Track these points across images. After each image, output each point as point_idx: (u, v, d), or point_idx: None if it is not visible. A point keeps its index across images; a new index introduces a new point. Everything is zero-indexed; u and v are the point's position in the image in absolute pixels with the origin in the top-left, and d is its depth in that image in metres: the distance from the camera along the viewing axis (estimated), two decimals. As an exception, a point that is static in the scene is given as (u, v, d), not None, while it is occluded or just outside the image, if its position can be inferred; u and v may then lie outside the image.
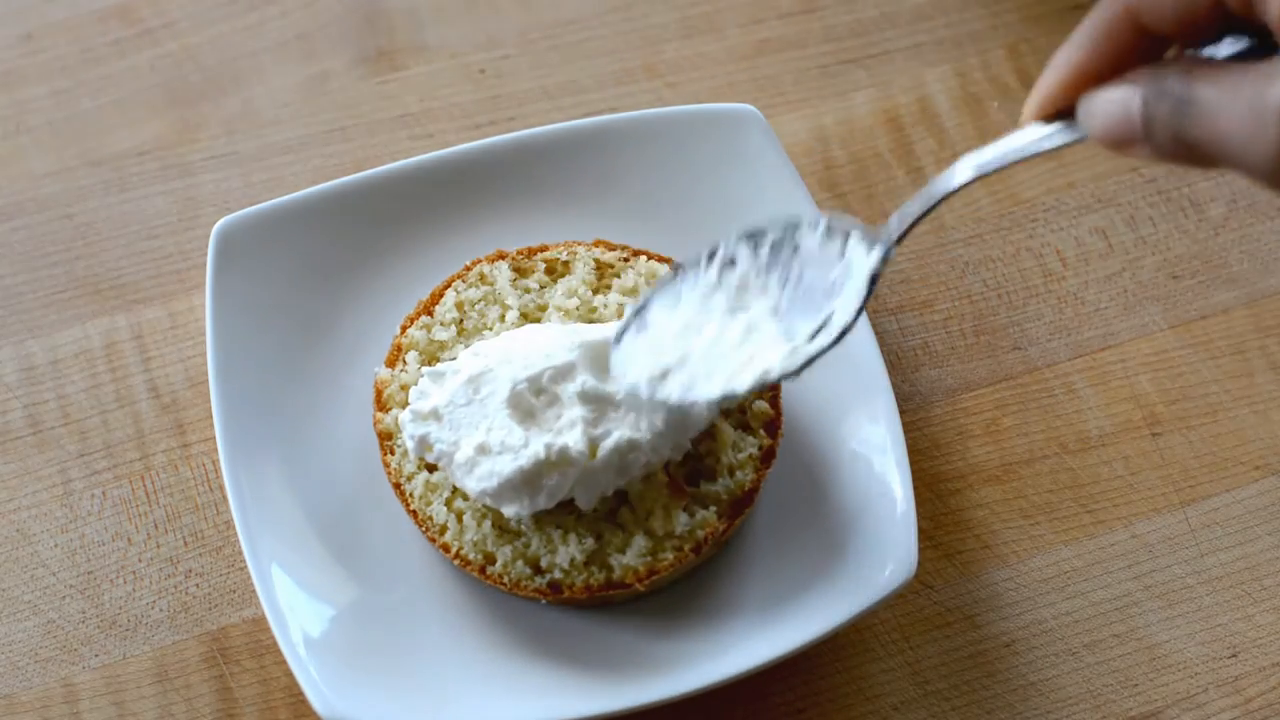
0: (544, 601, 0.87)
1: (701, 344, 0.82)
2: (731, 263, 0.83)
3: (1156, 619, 0.91)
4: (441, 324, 0.93)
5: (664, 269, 0.93)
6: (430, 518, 0.88)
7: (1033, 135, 0.71)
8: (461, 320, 0.93)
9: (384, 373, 0.91)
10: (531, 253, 0.95)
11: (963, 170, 0.74)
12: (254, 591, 0.90)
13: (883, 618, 0.91)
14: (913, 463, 0.92)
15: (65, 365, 0.98)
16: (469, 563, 0.87)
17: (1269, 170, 0.63)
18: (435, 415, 0.87)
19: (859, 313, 0.78)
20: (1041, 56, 1.08)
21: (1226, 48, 0.68)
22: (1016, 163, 0.72)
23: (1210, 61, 0.67)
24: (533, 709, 0.84)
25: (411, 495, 0.88)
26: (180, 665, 0.90)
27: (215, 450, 0.92)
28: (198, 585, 0.92)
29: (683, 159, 0.98)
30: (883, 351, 0.93)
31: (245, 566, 0.90)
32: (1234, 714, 0.89)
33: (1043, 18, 1.09)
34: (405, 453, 0.89)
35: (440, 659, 0.87)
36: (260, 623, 0.91)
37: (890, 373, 0.94)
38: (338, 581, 0.88)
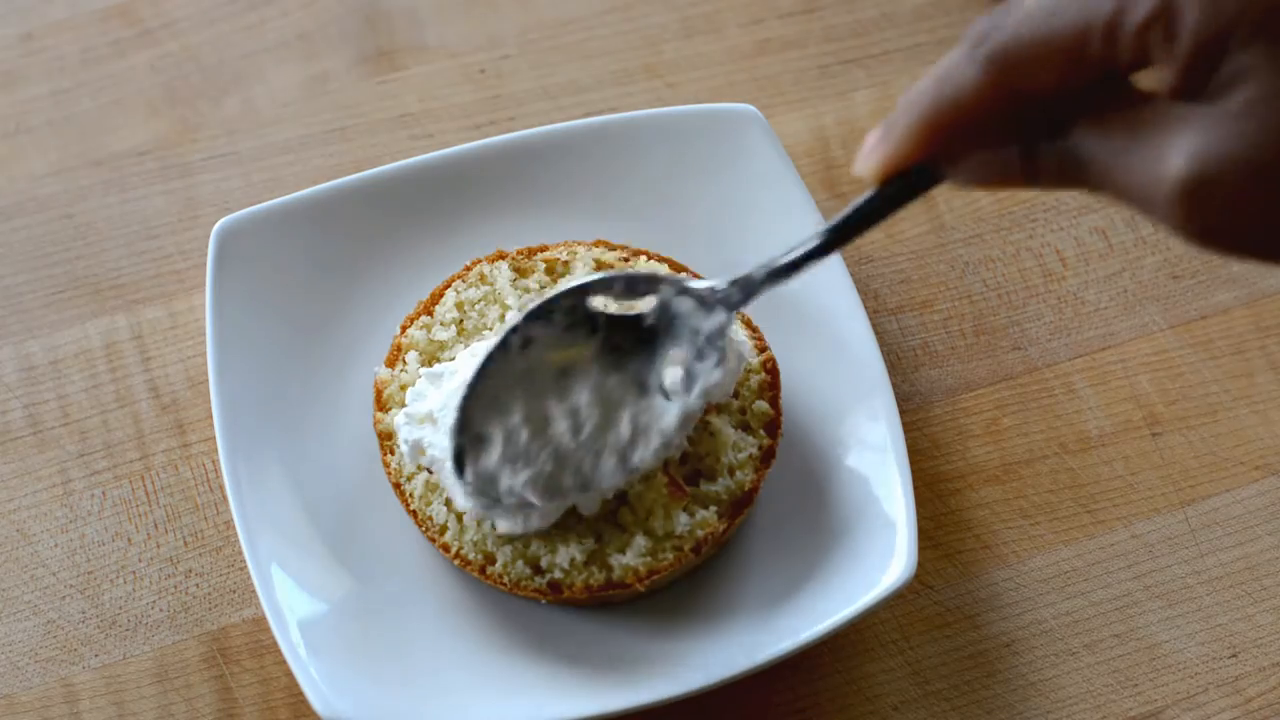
0: (544, 602, 0.87)
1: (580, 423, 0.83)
2: (527, 342, 0.83)
3: (1156, 619, 0.91)
4: (441, 324, 0.93)
5: (663, 268, 0.93)
6: (430, 518, 0.88)
7: (890, 192, 0.69)
8: (461, 320, 0.93)
9: (384, 373, 0.91)
10: (531, 253, 0.95)
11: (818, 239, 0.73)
12: (254, 591, 0.90)
13: (883, 618, 0.91)
14: (913, 463, 0.92)
15: (65, 365, 0.98)
16: (469, 563, 0.87)
17: (1170, 225, 0.62)
18: (430, 419, 0.87)
19: (719, 365, 0.81)
20: (1041, 56, 1.08)
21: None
22: (876, 225, 0.71)
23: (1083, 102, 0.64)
24: (532, 709, 0.84)
25: (411, 495, 0.88)
26: (180, 665, 0.90)
27: (215, 450, 0.92)
28: (198, 585, 0.92)
29: (683, 159, 0.98)
30: (883, 351, 0.93)
31: (245, 566, 0.90)
32: (1234, 714, 0.89)
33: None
34: None
35: (440, 659, 0.87)
36: (260, 623, 0.91)
37: (890, 373, 0.94)
38: (338, 581, 0.88)
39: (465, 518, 0.87)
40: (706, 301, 0.80)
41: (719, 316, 0.80)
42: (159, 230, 1.03)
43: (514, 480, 0.83)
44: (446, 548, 0.87)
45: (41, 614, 0.91)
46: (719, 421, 0.88)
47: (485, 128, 1.06)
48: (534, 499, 0.83)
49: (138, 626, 0.91)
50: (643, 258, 0.94)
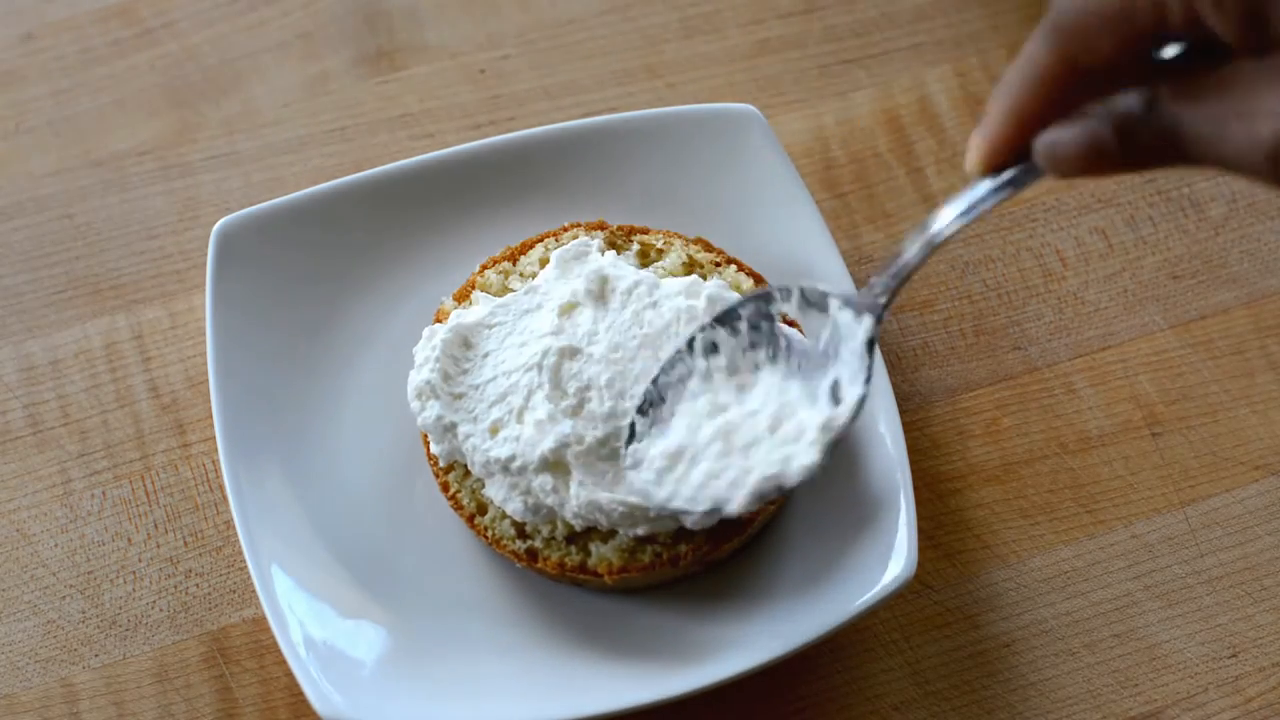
0: (520, 565, 0.87)
1: (737, 428, 0.81)
2: (714, 348, 0.83)
3: (1156, 619, 0.91)
4: (521, 275, 0.93)
5: (749, 283, 0.92)
6: (438, 457, 0.89)
7: (990, 186, 0.71)
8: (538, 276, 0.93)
9: (449, 303, 0.92)
10: (630, 232, 0.94)
11: (940, 227, 0.73)
12: (254, 591, 0.90)
13: (883, 618, 0.91)
14: (913, 463, 0.92)
15: (65, 365, 0.98)
16: (462, 507, 0.88)
17: (1266, 174, 0.63)
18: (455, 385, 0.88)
19: (868, 381, 0.78)
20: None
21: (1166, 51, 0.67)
22: (978, 217, 0.72)
23: (1165, 71, 0.65)
24: (531, 708, 0.84)
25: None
26: (180, 665, 0.90)
27: (215, 450, 0.92)
28: (198, 585, 0.92)
29: (683, 159, 0.98)
30: (883, 351, 0.93)
31: (245, 566, 0.90)
32: (1234, 714, 0.89)
33: (1042, 18, 1.09)
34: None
35: (440, 658, 0.87)
36: (260, 623, 0.91)
37: (890, 373, 0.94)
38: (338, 581, 0.88)
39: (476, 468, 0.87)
40: (858, 310, 0.80)
41: (866, 323, 0.79)
42: (159, 230, 1.03)
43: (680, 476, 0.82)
44: (446, 486, 0.88)
45: (41, 614, 0.91)
46: None
47: (485, 128, 1.06)
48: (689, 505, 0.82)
49: (138, 626, 0.91)
50: (732, 266, 0.92)
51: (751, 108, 0.98)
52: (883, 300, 0.78)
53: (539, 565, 0.86)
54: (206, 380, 0.95)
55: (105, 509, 0.94)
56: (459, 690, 0.86)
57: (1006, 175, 0.70)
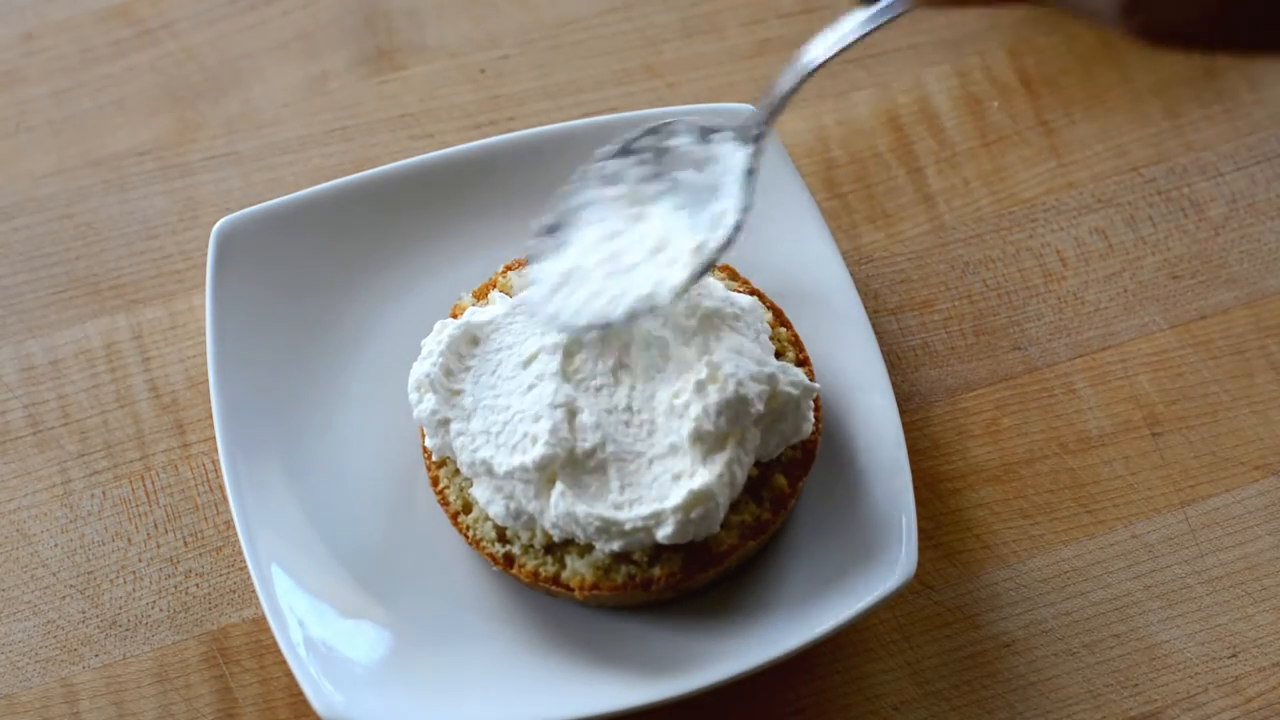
0: (497, 568, 0.87)
1: (623, 252, 0.86)
2: (614, 178, 0.88)
3: (1156, 619, 0.91)
4: None
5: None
6: (430, 451, 0.89)
7: (863, 16, 0.76)
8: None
9: (467, 299, 0.92)
10: None
11: (814, 54, 0.80)
12: (254, 591, 0.90)
13: (883, 618, 0.91)
14: (913, 463, 0.92)
15: (65, 365, 0.98)
16: (448, 503, 0.88)
17: (1117, 29, 0.65)
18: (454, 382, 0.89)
19: (746, 210, 0.84)
20: (1041, 57, 1.08)
21: None
22: (849, 46, 0.78)
23: None
24: (529, 707, 0.84)
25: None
26: (180, 665, 0.90)
27: (215, 450, 0.92)
28: (198, 585, 0.92)
29: (683, 159, 0.98)
30: (883, 351, 0.93)
31: (245, 566, 0.90)
32: (1234, 714, 0.89)
33: (1041, 18, 1.09)
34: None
35: (441, 658, 0.87)
36: (260, 623, 0.91)
37: (890, 373, 0.94)
38: (338, 581, 0.88)
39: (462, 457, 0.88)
40: (741, 140, 0.86)
41: (745, 151, 0.85)
42: (159, 230, 1.03)
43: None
44: (435, 480, 0.89)
45: (41, 614, 0.91)
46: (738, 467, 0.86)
47: (485, 128, 1.06)
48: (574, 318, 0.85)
49: (138, 626, 0.91)
50: (753, 296, 0.92)
51: (751, 108, 0.98)
52: (759, 130, 0.84)
53: (514, 571, 0.86)
54: (206, 380, 0.95)
55: (105, 509, 0.94)
56: (460, 690, 0.85)
57: (879, 5, 0.72)
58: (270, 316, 0.94)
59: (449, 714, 0.85)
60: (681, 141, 0.88)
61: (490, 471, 0.85)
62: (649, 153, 0.88)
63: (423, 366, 0.88)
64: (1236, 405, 0.97)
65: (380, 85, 1.08)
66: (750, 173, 0.84)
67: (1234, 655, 0.90)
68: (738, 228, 0.84)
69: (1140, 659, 0.90)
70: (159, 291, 1.01)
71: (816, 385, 0.88)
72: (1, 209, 1.03)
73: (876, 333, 0.95)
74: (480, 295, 0.93)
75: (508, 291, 0.92)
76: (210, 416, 0.95)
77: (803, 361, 0.90)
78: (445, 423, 0.87)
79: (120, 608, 0.91)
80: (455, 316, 0.92)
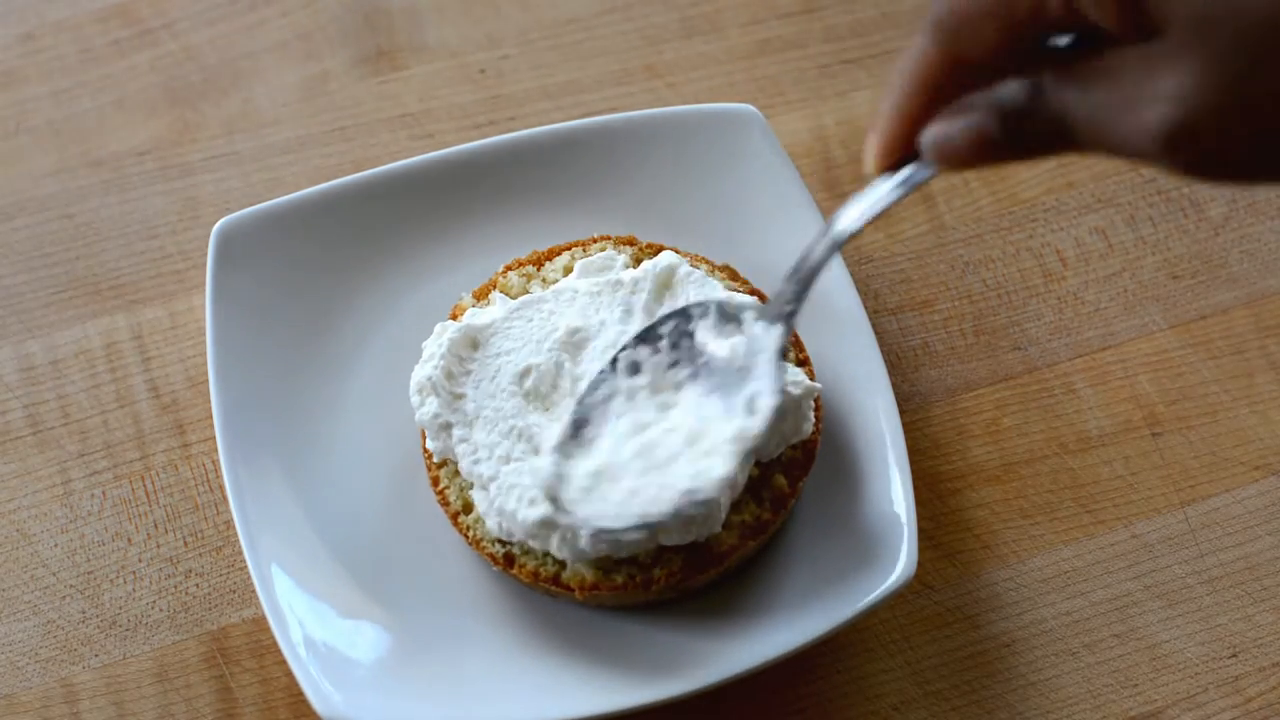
0: (497, 568, 0.87)
1: (657, 444, 0.82)
2: (637, 367, 0.84)
3: (1156, 619, 0.91)
4: (544, 280, 0.92)
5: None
6: (431, 452, 0.89)
7: (890, 185, 0.71)
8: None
9: (467, 300, 0.92)
10: (657, 250, 0.94)
11: (844, 225, 0.74)
12: (254, 591, 0.90)
13: (883, 618, 0.91)
14: (913, 463, 0.92)
15: (65, 365, 0.98)
16: (449, 503, 0.88)
17: (1159, 167, 0.63)
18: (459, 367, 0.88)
19: (780, 392, 0.80)
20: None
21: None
22: (880, 215, 0.72)
23: (1052, 59, 0.65)
24: (529, 707, 0.84)
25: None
26: (180, 665, 0.90)
27: (215, 450, 0.92)
28: (198, 585, 0.92)
29: (683, 159, 0.98)
30: (883, 351, 0.93)
31: (245, 566, 0.90)
32: (1234, 714, 0.89)
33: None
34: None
35: (441, 658, 0.87)
36: (260, 623, 0.91)
37: (890, 373, 0.94)
38: (338, 581, 0.88)
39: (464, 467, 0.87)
40: (770, 320, 0.81)
41: (776, 332, 0.81)
42: (159, 230, 1.03)
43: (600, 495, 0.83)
44: (436, 481, 0.89)
45: (41, 614, 0.91)
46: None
47: (485, 128, 1.06)
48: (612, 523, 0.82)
49: (138, 626, 0.91)
50: (754, 297, 0.92)
51: (751, 108, 0.98)
52: (790, 308, 0.79)
53: (514, 571, 0.86)
54: (206, 380, 0.95)
55: (105, 509, 0.94)
56: (460, 690, 0.85)
57: (903, 173, 0.71)
58: (270, 316, 0.94)
59: (449, 714, 0.85)
60: (704, 325, 0.84)
61: (485, 488, 0.86)
62: (669, 339, 0.84)
63: (424, 370, 0.88)
64: (1236, 405, 0.97)
65: (380, 85, 1.08)
66: (783, 352, 0.80)
67: (1234, 655, 0.90)
68: (775, 410, 0.80)
69: (1140, 659, 0.90)
70: (159, 291, 1.01)
71: (817, 385, 0.88)
72: (1, 209, 1.03)
73: (876, 333, 0.95)
74: (480, 295, 0.93)
75: (508, 292, 0.92)
76: (210, 416, 0.95)
77: (803, 361, 0.91)
78: (447, 426, 0.87)
79: (120, 608, 0.91)
80: (455, 317, 0.92)
